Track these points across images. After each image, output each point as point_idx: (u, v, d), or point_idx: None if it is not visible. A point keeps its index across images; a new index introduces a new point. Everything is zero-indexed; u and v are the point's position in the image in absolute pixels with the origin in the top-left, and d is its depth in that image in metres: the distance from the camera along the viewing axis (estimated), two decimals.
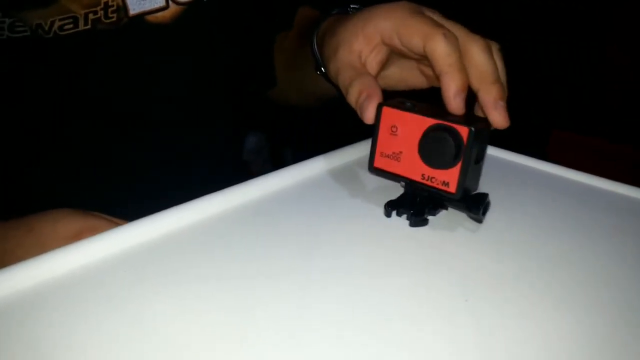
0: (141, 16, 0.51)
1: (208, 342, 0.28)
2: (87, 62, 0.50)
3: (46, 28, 0.46)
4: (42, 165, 0.54)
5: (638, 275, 0.35)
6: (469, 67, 0.39)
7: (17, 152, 0.53)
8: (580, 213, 0.43)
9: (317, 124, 1.21)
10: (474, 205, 0.39)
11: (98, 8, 0.48)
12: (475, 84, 0.39)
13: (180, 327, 0.29)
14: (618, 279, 0.35)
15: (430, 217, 0.40)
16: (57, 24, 0.46)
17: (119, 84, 0.53)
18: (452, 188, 0.38)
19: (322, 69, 0.51)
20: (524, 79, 1.59)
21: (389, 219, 0.40)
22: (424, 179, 0.39)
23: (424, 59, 0.41)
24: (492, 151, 0.52)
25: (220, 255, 0.35)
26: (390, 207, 0.40)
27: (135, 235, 0.36)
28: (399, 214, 0.40)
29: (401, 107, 0.39)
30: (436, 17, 0.41)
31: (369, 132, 0.42)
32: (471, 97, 0.40)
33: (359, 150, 0.50)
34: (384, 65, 0.45)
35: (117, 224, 0.40)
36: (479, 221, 0.40)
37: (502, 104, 0.39)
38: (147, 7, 0.51)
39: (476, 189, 0.41)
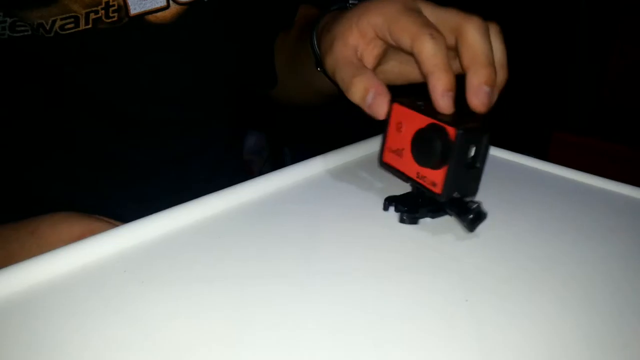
0: (142, 16, 0.51)
1: (208, 342, 0.28)
2: (87, 62, 0.50)
3: (47, 27, 0.46)
4: (42, 165, 0.54)
5: (638, 275, 0.35)
6: (462, 47, 0.38)
7: (17, 152, 0.53)
8: (580, 213, 0.43)
9: (317, 124, 1.21)
10: (463, 212, 0.38)
11: (99, 7, 0.48)
12: (465, 65, 0.38)
13: (180, 328, 0.29)
14: (618, 279, 0.35)
15: (430, 219, 0.40)
16: (58, 23, 0.47)
17: (119, 84, 0.53)
18: (438, 189, 0.37)
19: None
20: (524, 79, 1.59)
21: (389, 219, 0.40)
22: (418, 177, 0.39)
23: None
24: (492, 151, 0.52)
25: (220, 255, 0.35)
26: (389, 202, 0.40)
27: (135, 236, 0.36)
28: (397, 210, 0.40)
29: (409, 104, 0.39)
30: (429, 10, 0.41)
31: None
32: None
33: (359, 150, 0.50)
34: (381, 60, 0.44)
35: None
36: (469, 230, 0.38)
37: (485, 89, 0.37)
38: (148, 6, 0.51)
39: (474, 195, 0.39)
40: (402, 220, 0.39)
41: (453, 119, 0.37)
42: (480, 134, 0.37)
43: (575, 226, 0.41)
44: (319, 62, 0.51)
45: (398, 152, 0.40)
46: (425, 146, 0.37)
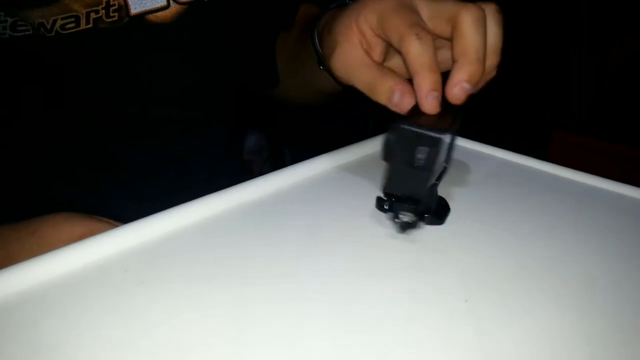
0: (142, 15, 0.51)
1: (209, 341, 0.28)
2: (88, 62, 0.50)
3: (48, 27, 0.46)
4: (42, 165, 0.54)
5: (638, 275, 0.35)
6: (455, 39, 0.38)
7: (17, 152, 0.53)
8: (580, 213, 0.43)
9: (317, 124, 1.21)
10: (397, 214, 0.37)
11: (99, 7, 0.48)
12: (454, 57, 0.38)
13: (181, 327, 0.29)
14: (618, 279, 0.35)
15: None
16: (59, 22, 0.47)
17: (119, 84, 0.53)
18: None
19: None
20: (524, 79, 1.59)
21: (389, 219, 0.40)
22: None
23: None
24: (492, 151, 0.52)
25: (220, 255, 0.35)
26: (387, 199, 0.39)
27: (135, 236, 0.36)
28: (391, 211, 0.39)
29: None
30: (425, 2, 0.40)
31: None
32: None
33: (359, 150, 0.50)
34: (386, 56, 0.44)
35: None
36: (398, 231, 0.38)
37: (465, 86, 0.37)
38: (148, 6, 0.51)
39: (421, 195, 0.37)
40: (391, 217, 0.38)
41: (412, 116, 0.37)
42: (427, 136, 0.35)
43: (575, 226, 0.41)
44: (321, 61, 0.51)
45: None
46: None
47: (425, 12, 0.40)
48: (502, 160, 0.51)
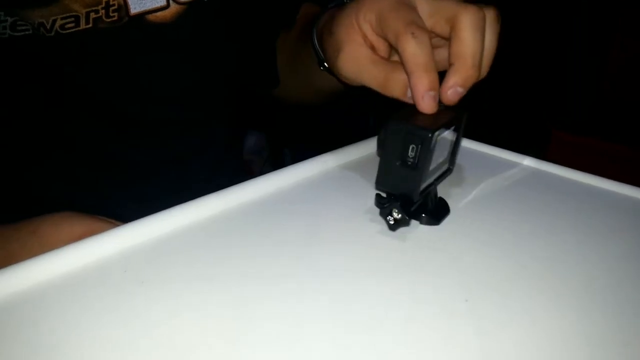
0: (142, 15, 0.51)
1: (209, 341, 0.28)
2: (88, 62, 0.50)
3: (48, 27, 0.46)
4: (42, 165, 0.54)
5: (638, 275, 0.35)
6: (452, 40, 0.38)
7: (17, 152, 0.53)
8: (580, 213, 0.43)
9: (317, 124, 1.21)
10: (386, 212, 0.37)
11: (99, 7, 0.48)
12: (450, 59, 0.38)
13: (181, 327, 0.29)
14: (618, 279, 0.35)
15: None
16: (58, 22, 0.47)
17: (119, 84, 0.53)
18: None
19: (325, 64, 0.50)
20: (524, 79, 1.59)
21: (381, 216, 0.39)
22: None
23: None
24: (492, 151, 0.52)
25: (220, 255, 0.35)
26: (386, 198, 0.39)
27: (135, 236, 0.36)
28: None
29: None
30: (424, 0, 0.40)
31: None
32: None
33: (359, 150, 0.50)
34: (391, 51, 0.43)
35: None
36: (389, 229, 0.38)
37: (458, 90, 0.38)
38: (148, 6, 0.51)
39: (412, 194, 0.37)
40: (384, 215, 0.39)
41: (405, 114, 0.37)
42: (417, 134, 0.36)
43: (575, 226, 0.41)
44: (321, 60, 0.51)
45: None
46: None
47: (424, 9, 0.40)
48: (501, 160, 0.51)
